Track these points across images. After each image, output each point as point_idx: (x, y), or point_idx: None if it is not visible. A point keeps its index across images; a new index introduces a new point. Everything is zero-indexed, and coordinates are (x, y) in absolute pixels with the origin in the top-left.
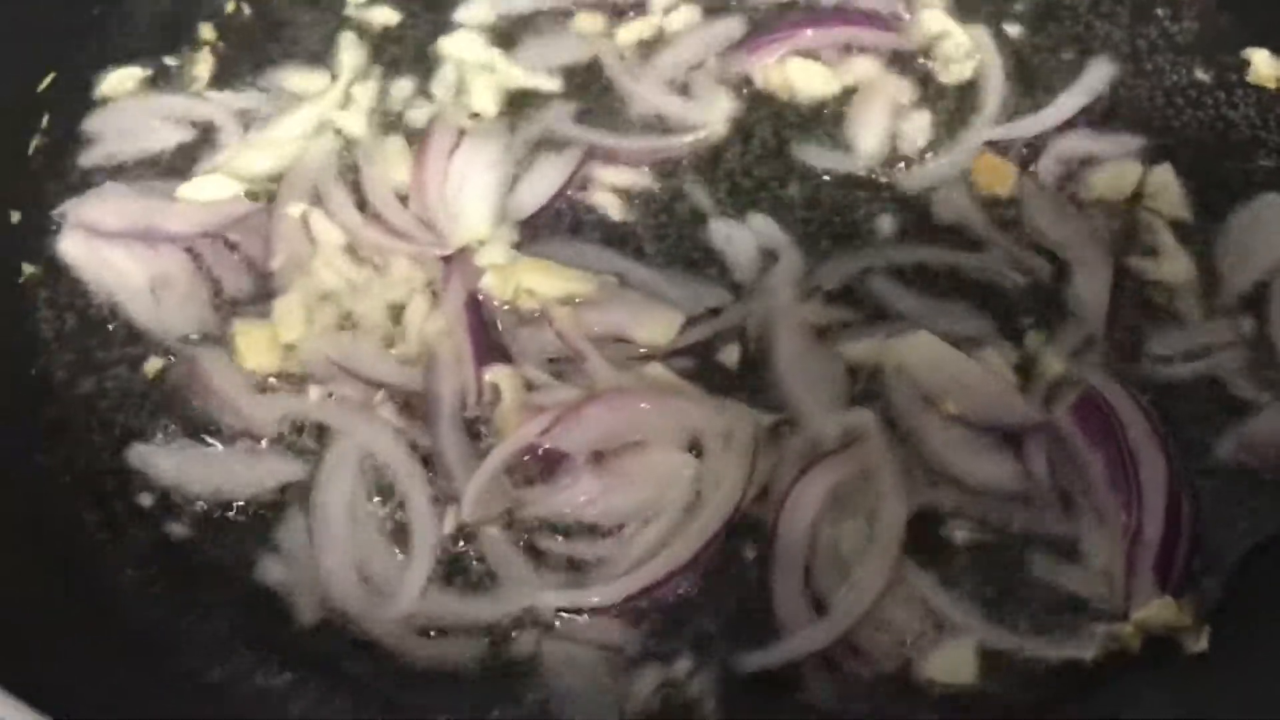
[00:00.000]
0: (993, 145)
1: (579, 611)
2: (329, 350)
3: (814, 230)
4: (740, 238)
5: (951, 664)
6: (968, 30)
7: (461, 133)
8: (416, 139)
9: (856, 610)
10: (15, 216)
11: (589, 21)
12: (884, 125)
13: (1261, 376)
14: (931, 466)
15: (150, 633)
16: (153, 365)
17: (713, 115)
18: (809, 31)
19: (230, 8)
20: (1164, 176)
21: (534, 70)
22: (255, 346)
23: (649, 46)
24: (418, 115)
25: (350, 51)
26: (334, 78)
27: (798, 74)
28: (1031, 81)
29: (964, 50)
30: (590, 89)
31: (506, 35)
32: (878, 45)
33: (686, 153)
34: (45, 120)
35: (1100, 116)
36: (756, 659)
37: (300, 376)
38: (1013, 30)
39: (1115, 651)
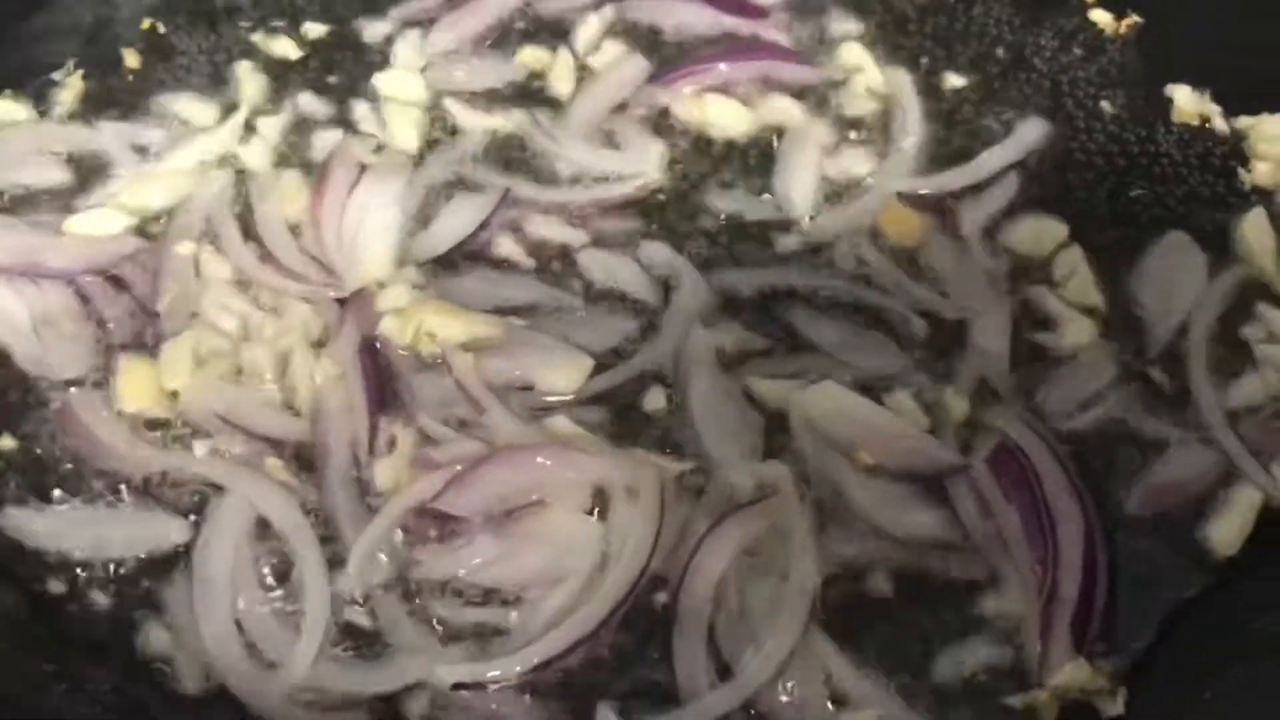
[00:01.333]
0: (904, 195)
1: (477, 685)
2: (214, 402)
3: (717, 257)
4: (623, 266)
5: None
6: (888, 73)
7: (362, 168)
8: (314, 173)
9: (761, 676)
10: None
11: (530, 55)
12: (813, 173)
13: (1173, 417)
14: (851, 518)
15: (12, 704)
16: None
17: (647, 164)
18: (722, 65)
19: (142, 27)
20: (1073, 260)
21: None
22: (136, 388)
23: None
24: (317, 148)
25: (250, 82)
26: (233, 108)
27: (715, 113)
28: (952, 130)
29: (874, 86)
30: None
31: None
32: (794, 80)
33: (618, 202)
34: None
35: (1024, 172)
36: None
37: (180, 427)
38: (949, 80)
39: None
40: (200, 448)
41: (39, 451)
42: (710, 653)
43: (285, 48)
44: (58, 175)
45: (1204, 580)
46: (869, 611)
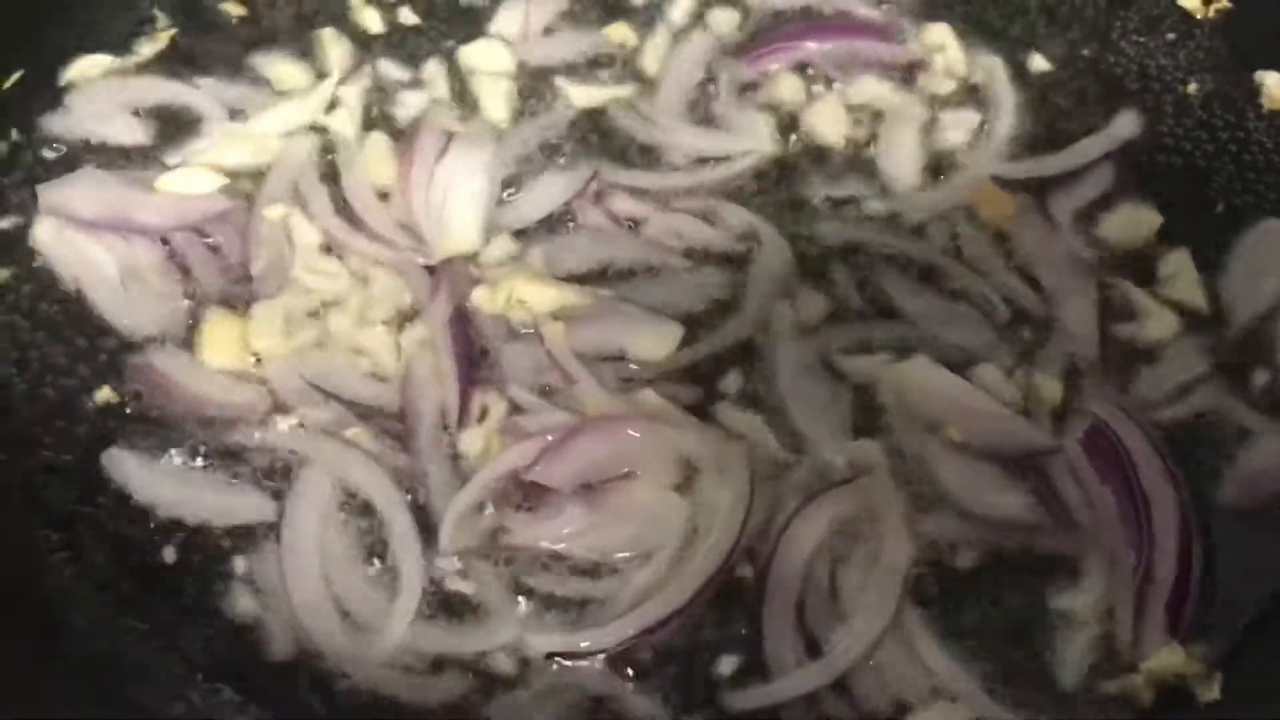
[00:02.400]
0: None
1: (569, 655)
2: (302, 368)
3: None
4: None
5: None
6: (977, 56)
7: (449, 136)
8: (401, 139)
9: (851, 656)
10: None
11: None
12: (913, 151)
13: (1261, 405)
14: (939, 497)
15: (106, 663)
16: (103, 394)
17: (758, 140)
18: (810, 43)
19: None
20: (1180, 261)
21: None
22: (222, 342)
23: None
24: (401, 116)
25: (337, 50)
26: (321, 75)
27: (813, 118)
28: (1049, 118)
29: (956, 67)
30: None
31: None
32: (880, 58)
33: (728, 184)
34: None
35: (1118, 161)
36: (744, 699)
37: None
38: (1036, 63)
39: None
40: (283, 422)
41: (134, 406)
42: (799, 630)
43: (371, 19)
44: (144, 130)
45: None
46: (959, 593)
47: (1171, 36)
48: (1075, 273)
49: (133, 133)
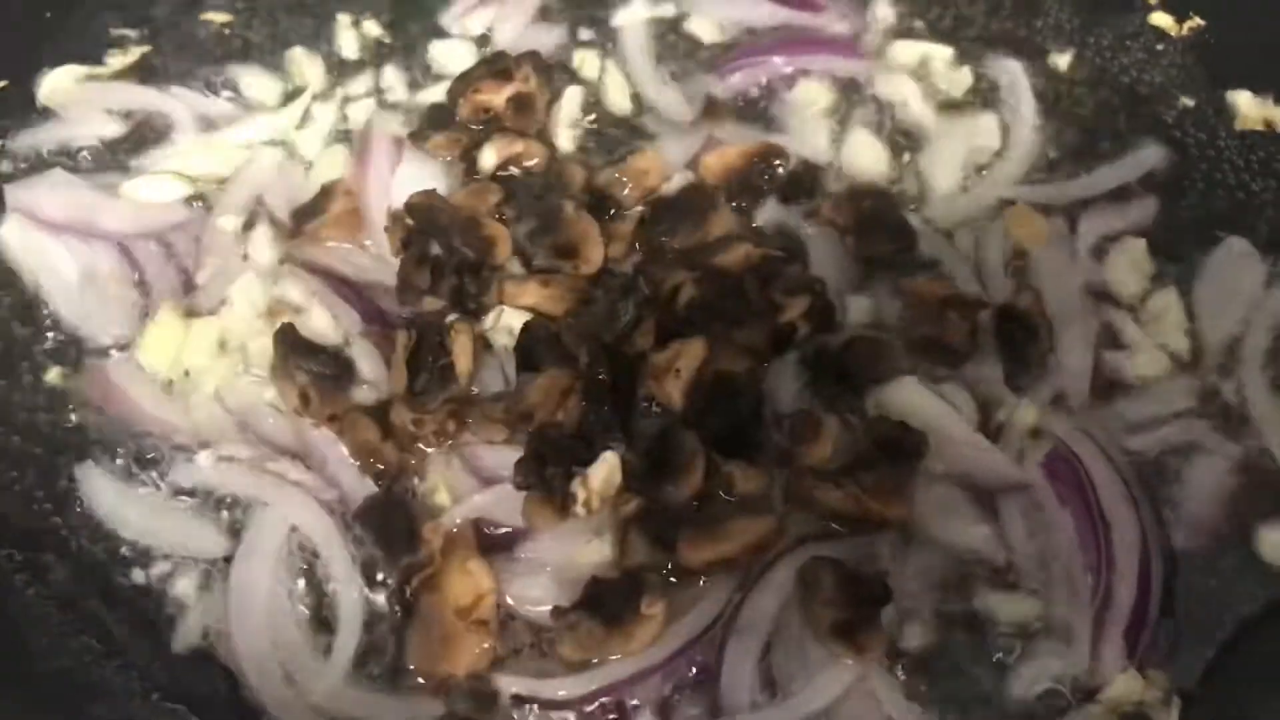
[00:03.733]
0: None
1: (536, 702)
2: (225, 397)
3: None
4: None
5: None
6: (1000, 64)
7: (400, 142)
8: (356, 147)
9: (810, 706)
10: None
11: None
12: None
13: (1228, 427)
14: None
15: (66, 681)
16: (54, 374)
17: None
18: (778, 59)
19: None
20: (1167, 301)
21: None
22: (160, 345)
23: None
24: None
25: (310, 68)
26: (293, 91)
27: (851, 154)
28: (1070, 133)
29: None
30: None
31: None
32: (849, 73)
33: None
34: None
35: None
36: None
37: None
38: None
39: None
40: (205, 455)
41: (95, 420)
42: (762, 671)
43: (348, 42)
44: (113, 130)
45: (1266, 595)
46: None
47: (1143, 55)
48: (1081, 304)
49: (103, 131)
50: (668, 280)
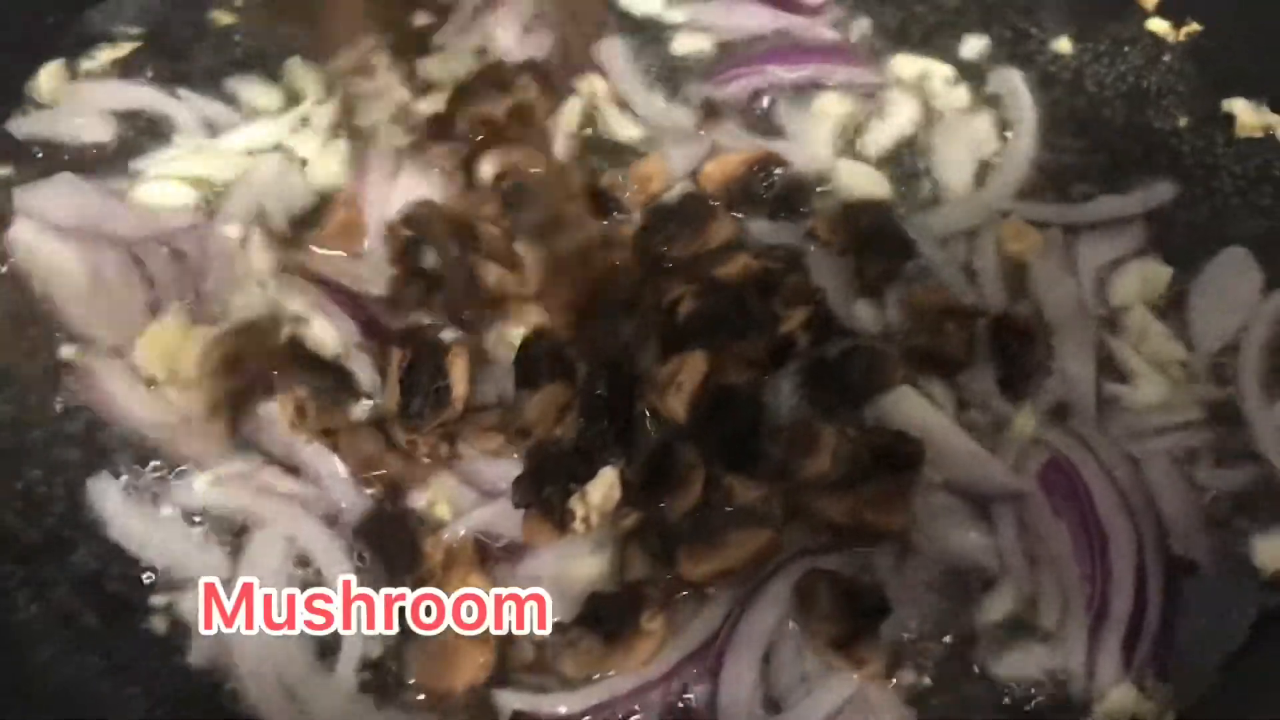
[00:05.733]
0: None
1: (536, 718)
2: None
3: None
4: None
5: None
6: (1000, 73)
7: (400, 153)
8: (355, 157)
9: (813, 717)
10: None
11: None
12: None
13: (1224, 433)
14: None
15: (69, 696)
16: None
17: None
18: (775, 67)
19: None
20: (1142, 319)
21: None
22: (158, 347)
23: None
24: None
25: (308, 78)
26: (292, 98)
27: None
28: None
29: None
30: None
31: None
32: (846, 82)
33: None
34: None
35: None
36: None
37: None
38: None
39: None
40: (205, 477)
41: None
42: (761, 681)
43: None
44: (113, 131)
45: (1263, 604)
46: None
47: (1140, 61)
48: (1080, 315)
49: (104, 130)
50: (668, 292)
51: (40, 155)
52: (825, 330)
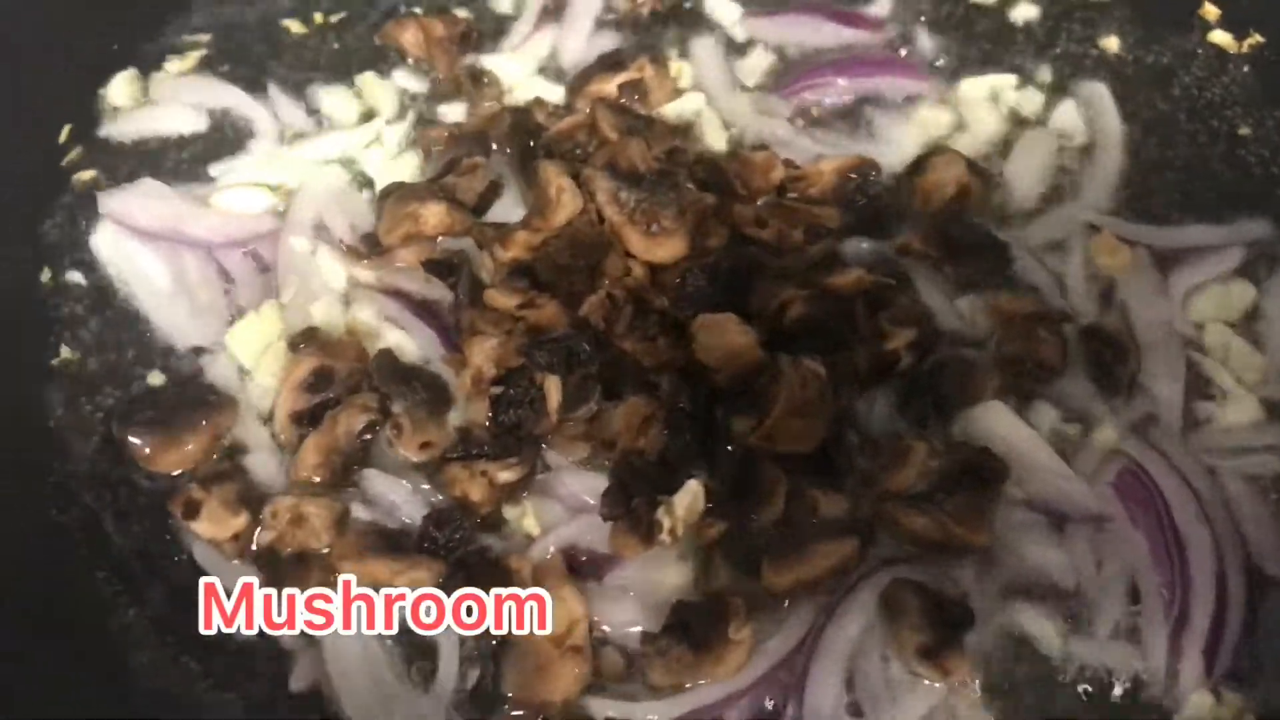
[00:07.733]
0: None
1: None
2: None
3: None
4: None
5: None
6: (1086, 86)
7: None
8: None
9: None
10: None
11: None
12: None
13: None
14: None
15: (167, 701)
16: (155, 378)
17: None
18: (840, 80)
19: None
20: (1224, 334)
21: None
22: (252, 335)
23: None
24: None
25: (383, 93)
26: (368, 112)
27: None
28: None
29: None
30: None
31: None
32: (908, 94)
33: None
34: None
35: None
36: None
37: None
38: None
39: None
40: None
41: None
42: (846, 690)
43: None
44: (197, 127)
45: None
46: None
47: (1202, 74)
48: (1169, 332)
49: (197, 123)
50: (777, 295)
51: (125, 160)
52: (929, 351)
